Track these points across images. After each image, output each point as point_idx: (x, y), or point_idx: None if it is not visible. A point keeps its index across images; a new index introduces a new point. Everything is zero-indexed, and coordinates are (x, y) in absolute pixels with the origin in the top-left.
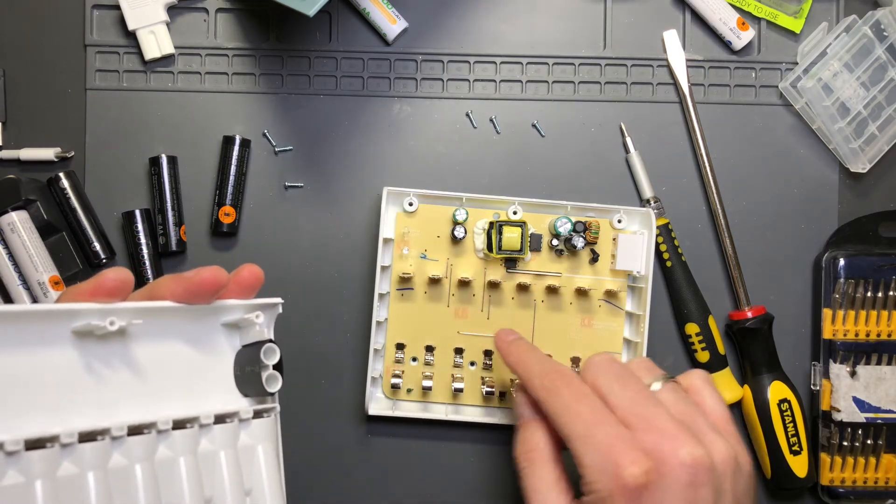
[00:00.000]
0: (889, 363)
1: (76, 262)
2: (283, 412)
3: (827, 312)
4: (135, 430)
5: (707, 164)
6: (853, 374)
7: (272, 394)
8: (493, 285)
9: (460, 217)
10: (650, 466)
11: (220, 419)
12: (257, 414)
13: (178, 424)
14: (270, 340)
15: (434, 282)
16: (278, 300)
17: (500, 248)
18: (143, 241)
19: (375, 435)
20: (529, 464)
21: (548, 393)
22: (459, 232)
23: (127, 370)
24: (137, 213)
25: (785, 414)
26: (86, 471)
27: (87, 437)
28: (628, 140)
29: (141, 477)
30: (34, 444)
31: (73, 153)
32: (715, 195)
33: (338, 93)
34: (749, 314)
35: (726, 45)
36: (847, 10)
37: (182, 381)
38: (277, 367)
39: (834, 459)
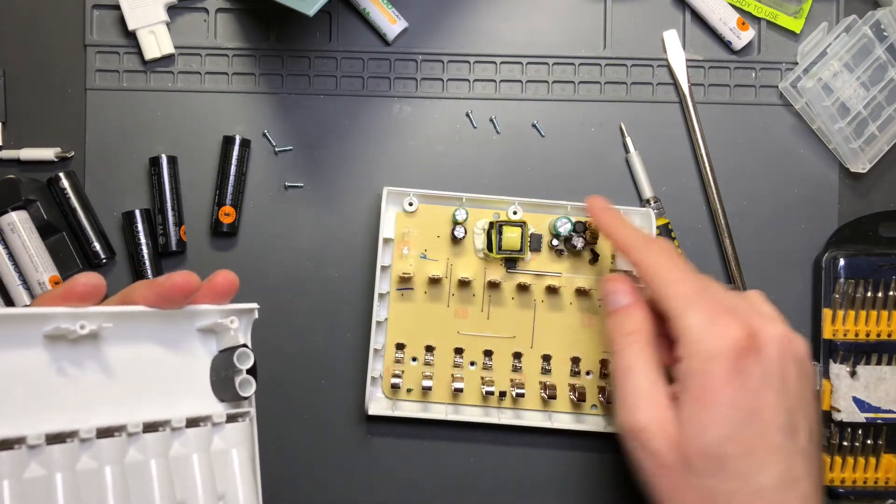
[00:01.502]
0: (889, 363)
1: (76, 262)
2: (283, 412)
3: (827, 312)
4: (105, 433)
5: (707, 164)
6: (853, 374)
7: (246, 398)
8: (493, 285)
9: (460, 217)
10: (751, 333)
11: (192, 423)
12: (231, 418)
13: (150, 427)
14: (244, 345)
15: (434, 282)
16: (254, 305)
17: (500, 248)
18: (143, 241)
19: (375, 435)
20: (630, 343)
21: (653, 260)
22: (459, 232)
23: (100, 374)
24: (137, 213)
25: None
26: (54, 472)
27: (55, 438)
28: (628, 140)
29: (110, 479)
30: (1, 446)
31: (73, 153)
32: (715, 195)
33: (338, 93)
34: None
35: (726, 45)
36: (847, 10)
37: (156, 385)
38: (252, 371)
39: (834, 459)
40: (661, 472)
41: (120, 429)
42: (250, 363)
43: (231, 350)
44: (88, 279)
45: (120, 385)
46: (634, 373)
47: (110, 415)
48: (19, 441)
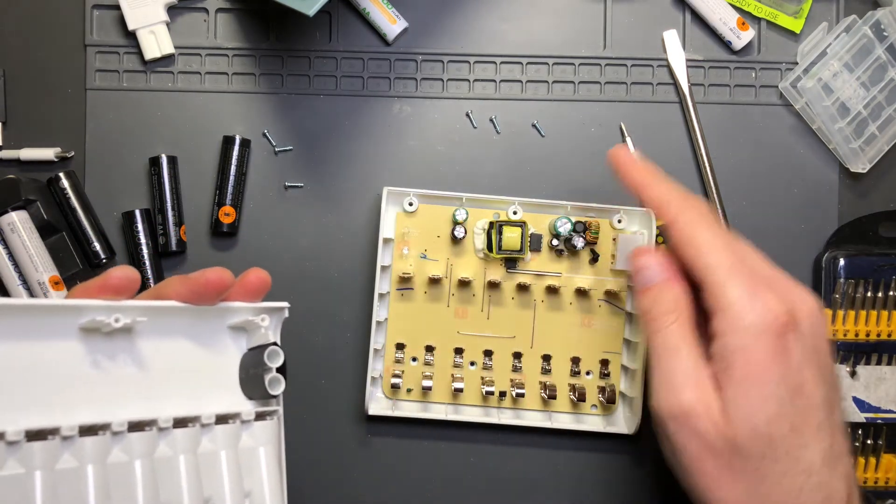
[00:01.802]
0: (889, 363)
1: (76, 262)
2: (283, 412)
3: (827, 312)
4: (136, 427)
5: (707, 164)
6: (853, 374)
7: (275, 396)
8: (493, 285)
9: (460, 217)
10: (790, 309)
11: (221, 419)
12: (260, 416)
13: (180, 423)
14: (275, 343)
15: (434, 282)
16: (285, 304)
17: (500, 248)
18: (143, 241)
19: (375, 435)
20: (671, 322)
21: (692, 223)
22: (459, 232)
23: (132, 367)
24: (137, 213)
25: None
26: (85, 464)
27: (88, 430)
28: (628, 140)
29: (140, 473)
30: (35, 436)
31: (73, 153)
32: (715, 195)
33: (338, 93)
34: None
35: (726, 45)
36: (847, 10)
37: (187, 381)
38: (281, 370)
39: None
40: (706, 455)
41: (151, 423)
42: (280, 361)
43: (261, 348)
44: (124, 272)
45: (152, 379)
46: (678, 353)
47: (142, 409)
48: (53, 432)
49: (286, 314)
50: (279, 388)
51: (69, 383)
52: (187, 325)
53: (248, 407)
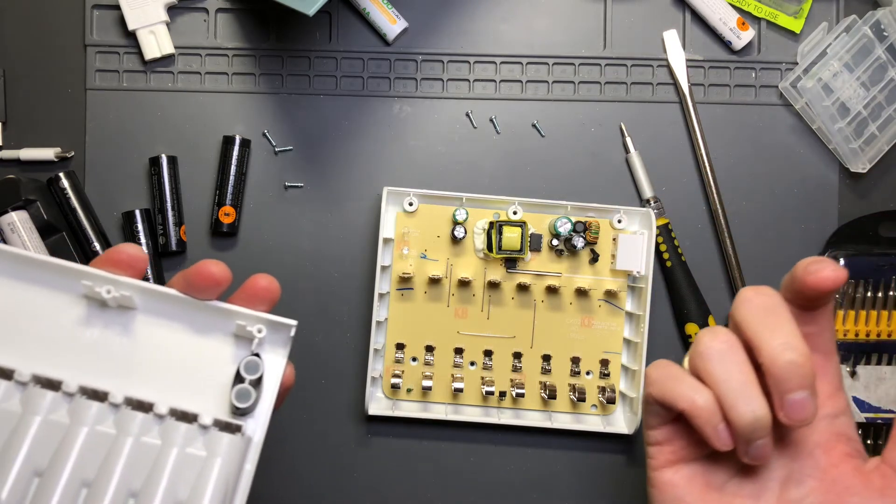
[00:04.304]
0: (889, 363)
1: (76, 262)
2: (283, 412)
3: None
4: (93, 395)
5: (707, 164)
6: (853, 374)
7: (239, 409)
8: (493, 285)
9: (460, 217)
10: None
11: (183, 417)
12: (226, 426)
13: (139, 406)
14: (256, 354)
15: (434, 282)
16: (293, 322)
17: (500, 248)
18: (143, 241)
19: (375, 435)
20: None
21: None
22: (459, 232)
23: (119, 341)
24: (137, 213)
25: None
26: (30, 415)
27: (47, 384)
28: (628, 140)
29: (80, 441)
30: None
31: (73, 153)
32: (715, 195)
33: (338, 93)
34: None
35: (726, 45)
36: (847, 10)
37: (168, 371)
38: (258, 383)
39: None
40: None
41: (103, 395)
42: (257, 374)
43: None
44: (131, 250)
45: (133, 359)
46: None
47: (107, 381)
48: (8, 375)
49: (292, 333)
50: (246, 401)
51: (55, 337)
52: (191, 320)
53: (211, 411)
